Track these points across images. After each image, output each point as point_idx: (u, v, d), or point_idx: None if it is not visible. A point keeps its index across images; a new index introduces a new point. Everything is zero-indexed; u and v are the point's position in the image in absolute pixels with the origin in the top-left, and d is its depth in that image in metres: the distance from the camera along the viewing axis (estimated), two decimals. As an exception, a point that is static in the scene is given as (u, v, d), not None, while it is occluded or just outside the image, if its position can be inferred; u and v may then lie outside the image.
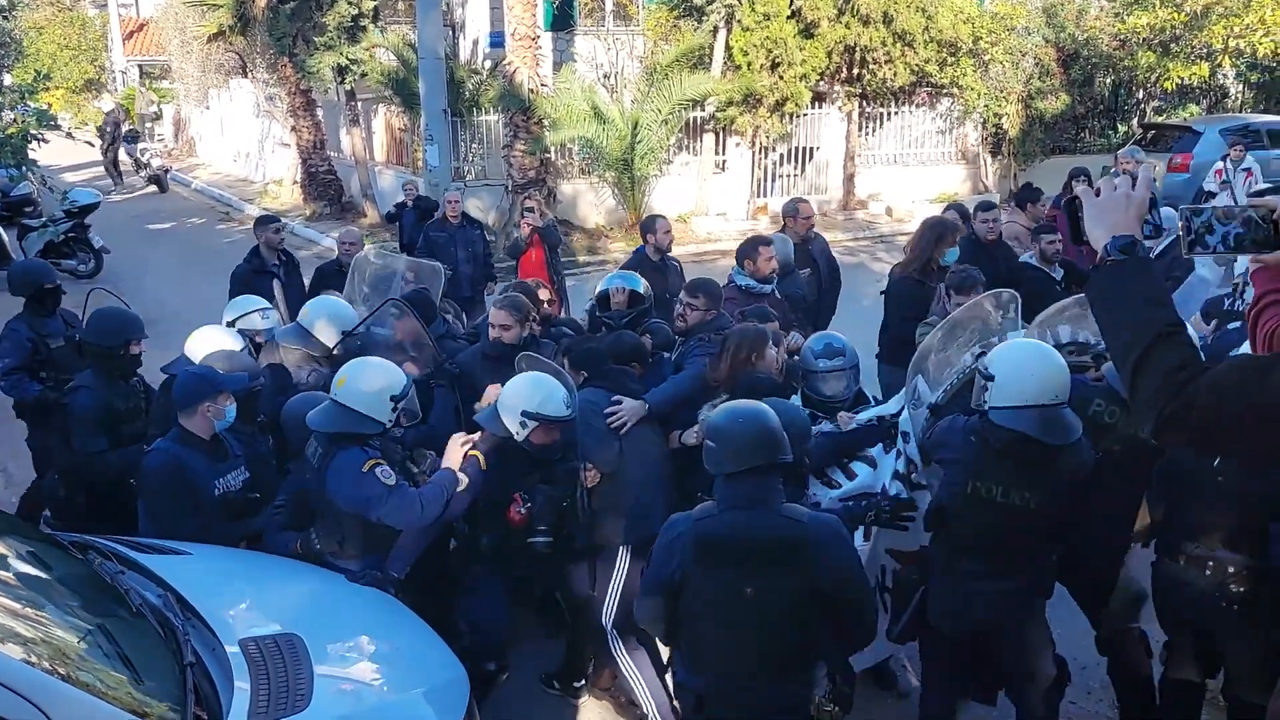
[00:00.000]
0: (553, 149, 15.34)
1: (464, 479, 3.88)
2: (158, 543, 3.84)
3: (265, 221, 8.03)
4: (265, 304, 5.62)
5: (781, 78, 15.42)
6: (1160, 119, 16.99)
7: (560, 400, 4.03)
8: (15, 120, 8.62)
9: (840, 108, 16.82)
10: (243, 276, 7.43)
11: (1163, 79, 16.30)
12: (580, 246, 14.67)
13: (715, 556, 2.97)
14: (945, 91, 17.06)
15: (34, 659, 2.32)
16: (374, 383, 3.85)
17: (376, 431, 3.83)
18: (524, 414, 3.95)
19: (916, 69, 16.03)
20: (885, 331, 6.41)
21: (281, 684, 2.82)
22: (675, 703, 3.83)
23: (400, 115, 17.08)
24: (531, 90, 14.65)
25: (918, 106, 17.38)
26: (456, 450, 3.95)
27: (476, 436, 4.05)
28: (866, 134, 17.37)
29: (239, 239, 17.00)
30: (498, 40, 16.02)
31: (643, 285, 5.56)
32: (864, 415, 4.50)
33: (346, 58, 16.00)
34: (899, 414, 4.39)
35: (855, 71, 16.10)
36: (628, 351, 4.64)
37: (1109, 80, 17.42)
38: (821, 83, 16.21)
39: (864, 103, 16.87)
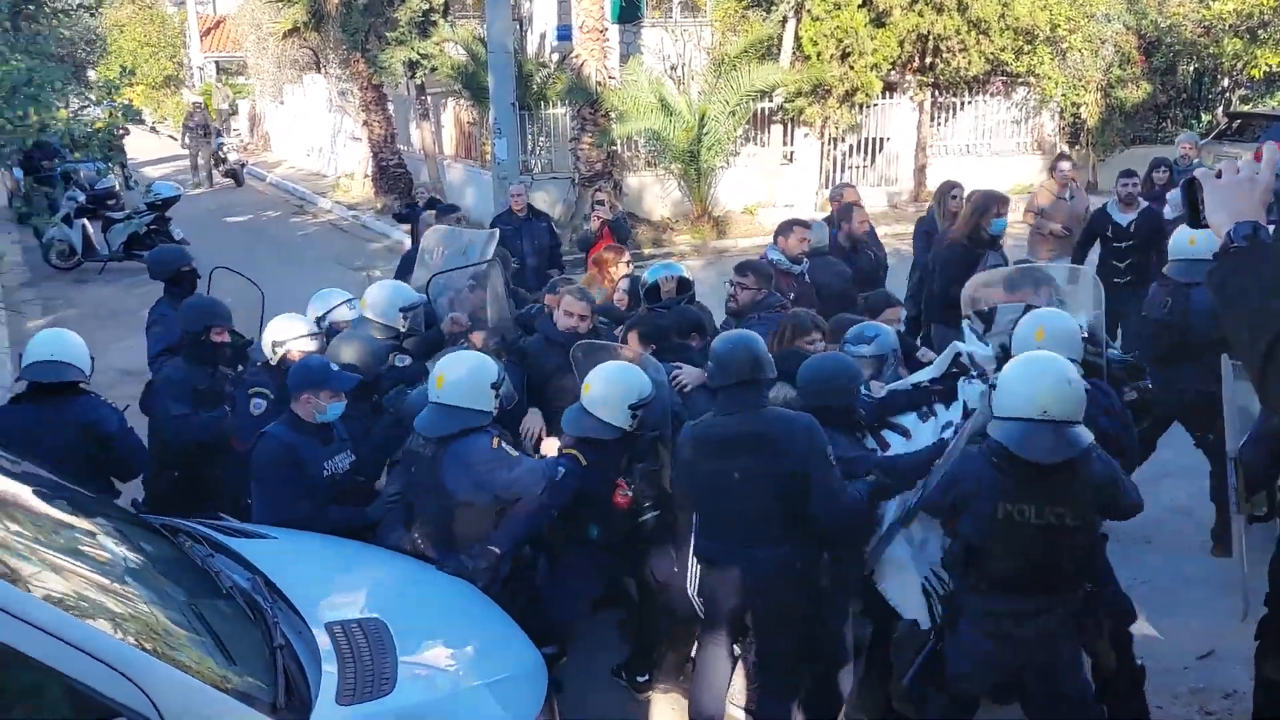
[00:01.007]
0: (619, 141, 15.36)
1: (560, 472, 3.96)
2: (244, 527, 3.94)
3: (446, 210, 8.61)
4: (349, 296, 5.73)
5: (852, 68, 15.22)
6: (1247, 108, 16.39)
7: (647, 380, 4.15)
8: (103, 115, 8.87)
9: (912, 97, 16.56)
10: (411, 261, 7.68)
11: (1250, 66, 15.75)
12: (645, 239, 14.66)
13: (708, 449, 3.81)
14: (1021, 80, 16.70)
15: (132, 637, 2.37)
16: (470, 376, 3.95)
17: (484, 421, 3.93)
18: (632, 407, 4.04)
19: (991, 57, 15.71)
20: (930, 297, 6.60)
21: (367, 668, 2.85)
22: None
23: (469, 109, 17.24)
24: (599, 83, 14.68)
25: (992, 96, 17.04)
26: (552, 451, 4.07)
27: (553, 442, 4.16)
28: (938, 124, 17.08)
29: (312, 232, 17.37)
30: (565, 34, 16.08)
31: (687, 272, 5.79)
32: (898, 384, 4.42)
33: (417, 52, 16.19)
34: (937, 381, 4.31)
35: (928, 61, 15.84)
36: (690, 325, 5.11)
37: (1192, 68, 16.87)
38: (893, 72, 15.99)
39: (936, 92, 16.60)
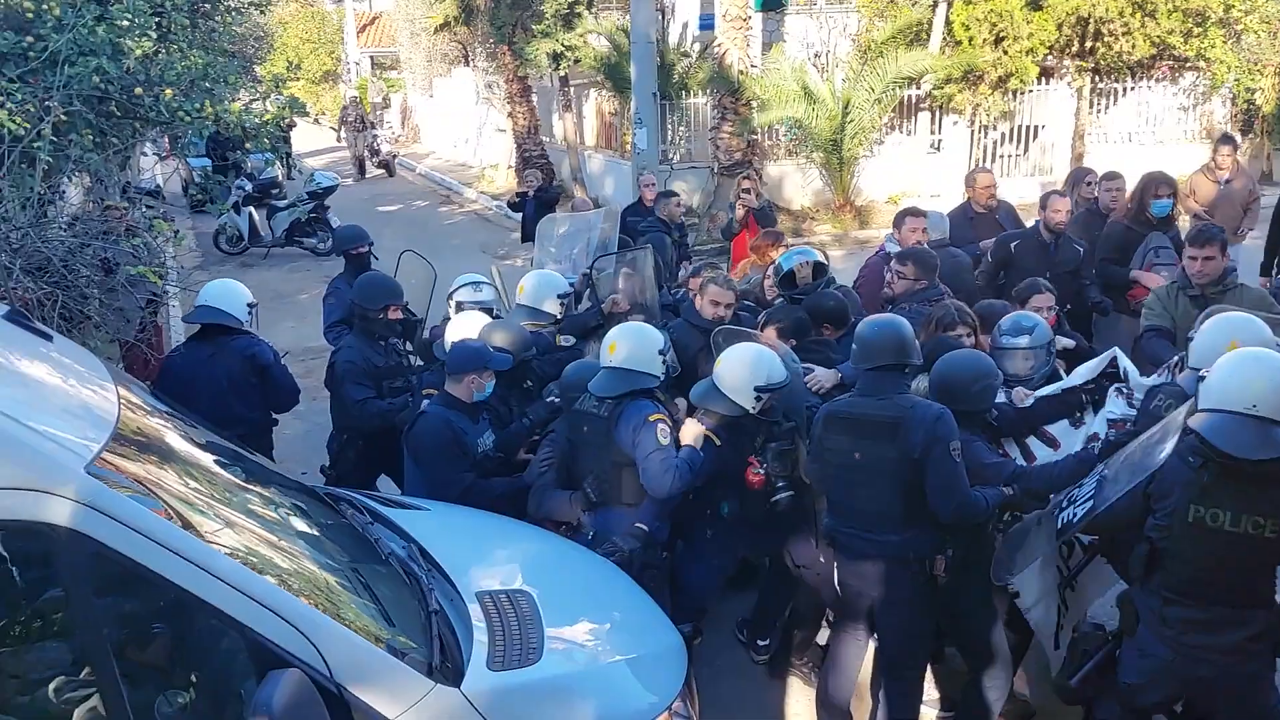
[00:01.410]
0: (760, 130, 15.25)
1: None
2: (399, 498, 4.12)
3: (667, 195, 8.90)
4: (478, 278, 5.97)
5: (1006, 52, 14.68)
6: None
7: (781, 367, 4.17)
8: (270, 109, 9.33)
9: (1070, 83, 15.83)
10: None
11: None
12: (785, 229, 14.36)
13: (837, 426, 3.84)
14: (1189, 65, 15.73)
15: (303, 595, 2.52)
16: (642, 344, 4.19)
17: (654, 385, 4.18)
18: (757, 389, 4.08)
19: (1157, 40, 14.85)
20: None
21: (515, 637, 2.95)
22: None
23: (610, 100, 17.44)
24: (741, 71, 14.61)
25: (1157, 81, 16.13)
26: (692, 432, 4.12)
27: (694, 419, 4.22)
28: (1098, 111, 16.28)
29: (458, 220, 17.91)
30: (708, 23, 16.06)
31: (822, 256, 5.70)
32: (1047, 390, 4.24)
33: (562, 44, 16.46)
34: (1087, 385, 4.13)
35: (1088, 44, 15.10)
36: (827, 312, 5.06)
37: (1385, 49, 15.57)
38: (1049, 57, 15.33)
39: (1096, 78, 15.80)
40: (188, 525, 2.41)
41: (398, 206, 18.94)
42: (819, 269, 5.54)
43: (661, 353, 4.20)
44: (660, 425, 4.00)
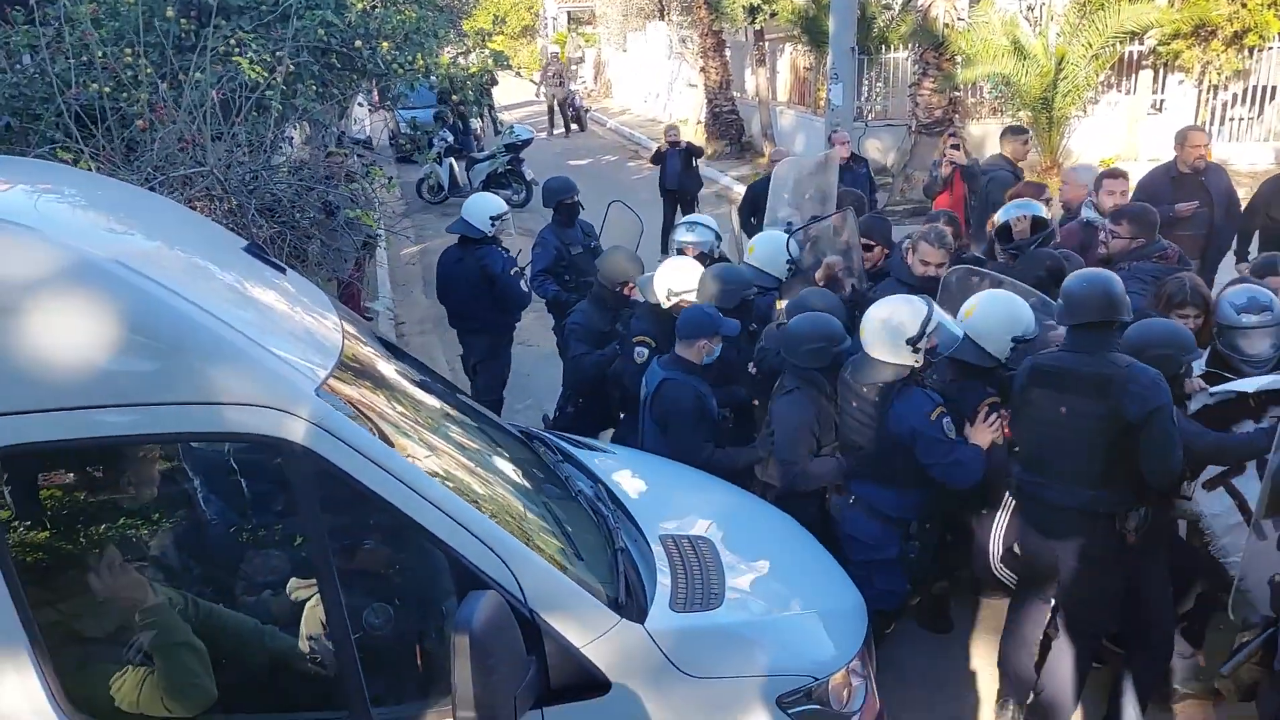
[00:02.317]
0: (963, 87, 14.58)
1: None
2: (586, 440, 4.26)
3: (1016, 132, 8.56)
4: (697, 218, 6.14)
5: (1245, 5, 13.41)
6: None
7: (1033, 316, 4.12)
8: (476, 62, 9.67)
9: (1318, 39, 14.32)
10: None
11: None
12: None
13: (1042, 380, 3.77)
14: None
15: (503, 525, 2.65)
16: (890, 333, 3.95)
17: (908, 374, 3.97)
18: (1015, 339, 4.05)
19: None
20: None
21: (697, 581, 3.01)
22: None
23: (806, 54, 17.08)
24: (946, 25, 13.96)
25: None
26: (984, 434, 3.99)
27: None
28: (1350, 71, 14.66)
29: (647, 175, 18.04)
30: (913, -26, 15.43)
31: (1044, 210, 5.59)
32: (1223, 388, 3.92)
33: (759, -3, 16.23)
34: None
35: (1343, -5, 13.61)
36: (1045, 273, 4.98)
37: None
38: (1296, 9, 13.89)
39: (1350, 33, 14.22)
40: (401, 449, 2.58)
41: (588, 160, 19.28)
42: (1038, 223, 5.47)
43: (911, 340, 3.90)
44: (945, 419, 3.88)
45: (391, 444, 2.55)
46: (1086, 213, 6.07)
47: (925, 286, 4.97)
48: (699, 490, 3.92)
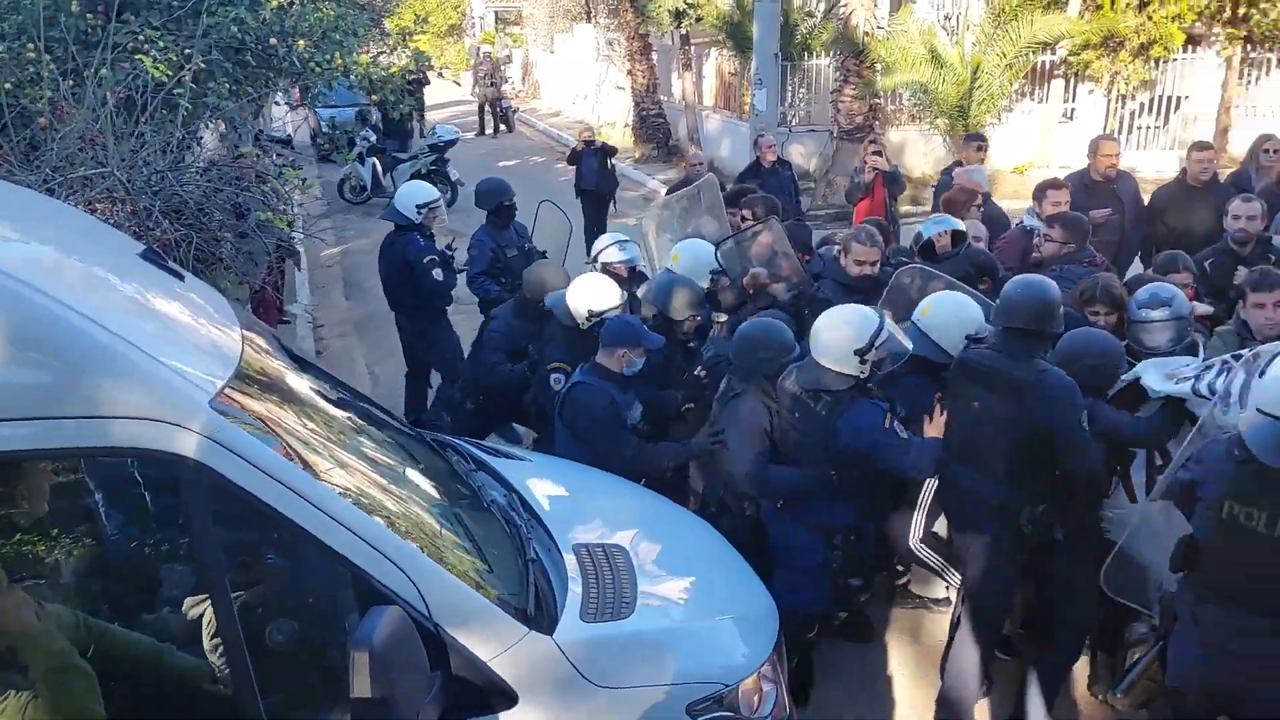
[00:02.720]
0: (882, 94, 14.85)
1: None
2: (502, 448, 4.22)
3: (973, 139, 8.89)
4: (623, 237, 6.02)
5: (1150, 18, 13.93)
6: None
7: (982, 315, 4.26)
8: (397, 61, 9.54)
9: (1218, 52, 14.92)
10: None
11: None
12: (905, 197, 14.14)
13: (968, 375, 3.96)
14: (1356, 33, 14.65)
15: (407, 536, 2.61)
16: (837, 339, 3.93)
17: (853, 384, 3.93)
18: (968, 337, 4.15)
19: (1320, 7, 13.87)
20: None
21: (609, 590, 3.00)
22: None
23: (731, 60, 17.23)
24: (866, 33, 14.22)
25: (1318, 51, 15.06)
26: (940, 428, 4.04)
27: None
28: (1247, 83, 15.30)
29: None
30: (836, -18, 15.67)
31: (961, 225, 5.76)
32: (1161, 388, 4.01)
33: (684, 2, 16.33)
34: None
35: (1240, 11, 14.20)
36: (982, 270, 5.23)
37: None
38: (1198, 23, 14.45)
39: (1248, 47, 14.84)
40: (301, 462, 2.52)
41: (515, 161, 19.17)
42: (958, 237, 5.65)
43: (859, 352, 3.87)
44: (896, 424, 3.90)
45: (290, 457, 2.49)
46: (1028, 220, 6.22)
47: (862, 286, 5.14)
48: (614, 497, 3.90)
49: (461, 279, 6.85)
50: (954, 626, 4.21)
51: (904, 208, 13.49)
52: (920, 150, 15.25)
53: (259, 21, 6.70)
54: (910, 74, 13.97)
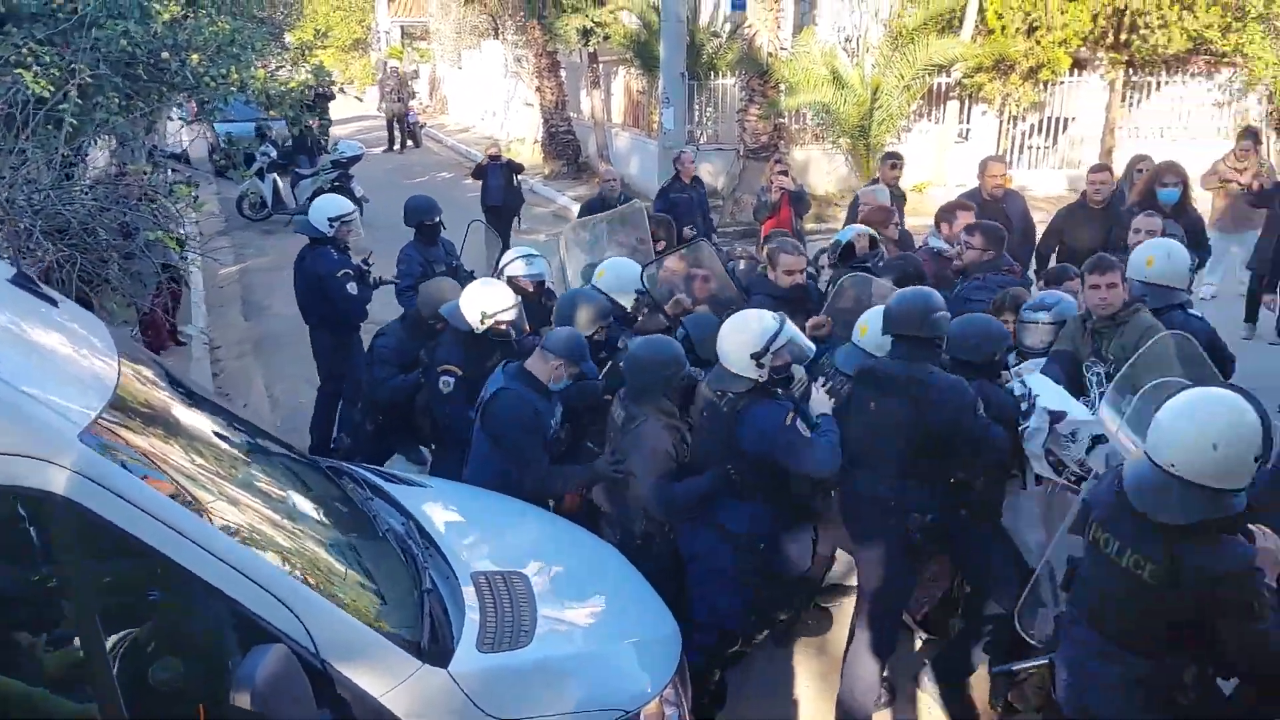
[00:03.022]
0: (787, 114, 15.12)
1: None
2: (401, 474, 4.13)
3: (889, 157, 9.03)
4: (531, 251, 5.96)
5: (1038, 42, 14.49)
6: None
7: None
8: (297, 76, 9.35)
9: (1103, 76, 15.60)
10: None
11: None
12: (809, 215, 14.42)
13: (865, 380, 4.11)
14: (1226, 60, 15.46)
15: (295, 570, 2.54)
16: (736, 343, 3.98)
17: (750, 386, 3.97)
18: (754, 355, 4.07)
19: (1194, 34, 14.63)
20: None
21: (508, 619, 2.96)
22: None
23: (639, 78, 17.34)
24: (770, 54, 14.48)
25: (1192, 76, 15.86)
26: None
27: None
28: (1130, 105, 16.03)
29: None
30: (739, 3, 15.91)
31: (873, 233, 5.98)
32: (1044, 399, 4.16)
33: (592, 20, 16.37)
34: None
35: (1123, 37, 14.88)
36: (914, 274, 5.37)
37: None
38: (1083, 48, 15.09)
39: (1130, 71, 15.56)
40: (179, 496, 2.43)
41: (423, 178, 18.94)
42: (874, 242, 5.89)
43: (755, 355, 3.92)
44: (798, 422, 3.92)
45: (168, 490, 2.39)
46: (934, 242, 6.41)
47: (794, 296, 5.24)
48: (515, 522, 3.85)
49: (382, 294, 6.83)
50: (851, 634, 4.27)
51: (809, 225, 13.79)
52: (824, 169, 15.56)
53: (150, 35, 6.49)
54: (813, 94, 14.25)
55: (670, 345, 4.26)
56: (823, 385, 4.29)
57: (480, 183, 11.65)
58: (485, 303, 4.88)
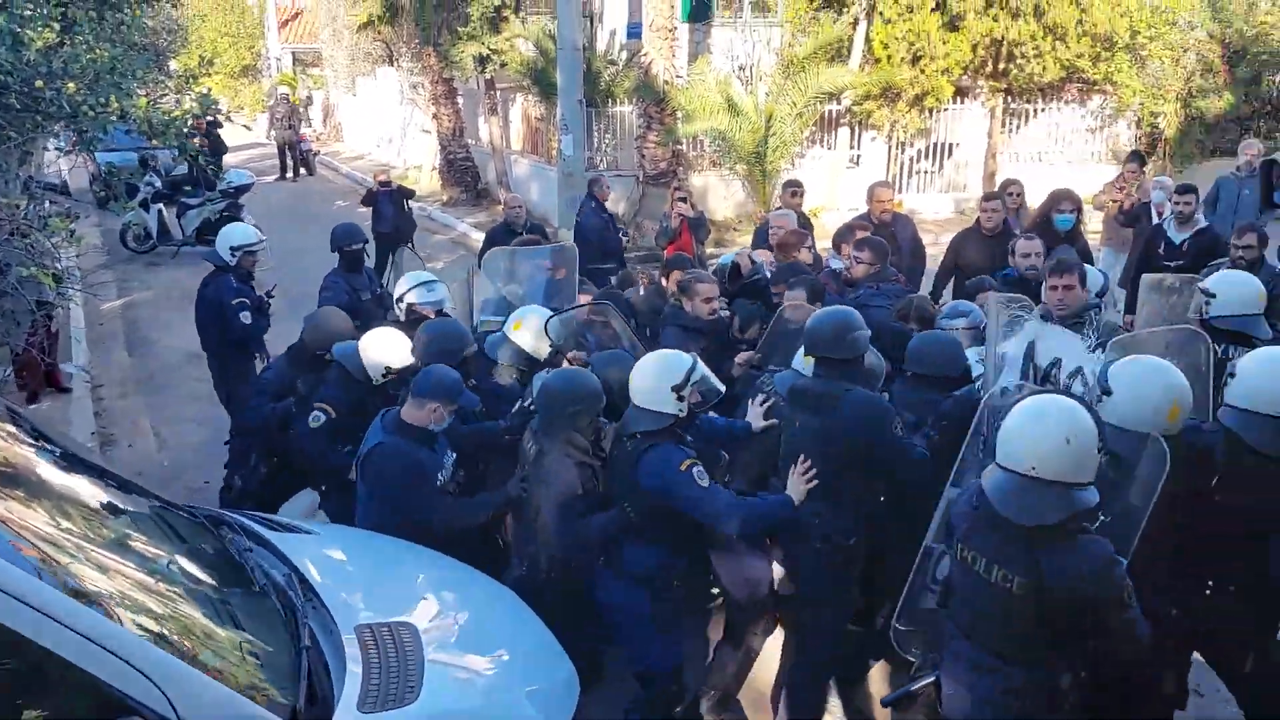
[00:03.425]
0: (685, 141, 15.31)
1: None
2: (286, 521, 3.99)
3: (789, 185, 8.80)
4: (429, 277, 5.79)
5: (923, 71, 14.98)
6: (1337, 121, 15.79)
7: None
8: (181, 104, 9.07)
9: (983, 103, 16.22)
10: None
11: (1342, 79, 15.16)
12: (709, 239, 14.61)
13: (793, 399, 4.13)
14: (1097, 88, 16.27)
15: (158, 635, 2.41)
16: (652, 379, 3.88)
17: (670, 424, 3.84)
18: (674, 388, 3.98)
19: (1067, 64, 15.33)
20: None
21: (393, 673, 2.86)
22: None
23: (537, 105, 17.33)
24: (666, 82, 14.64)
25: (1066, 103, 16.62)
26: (801, 486, 3.93)
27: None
28: (1010, 131, 16.70)
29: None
30: (635, 31, 16.06)
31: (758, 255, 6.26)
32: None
33: (488, 48, 16.31)
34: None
35: (1001, 66, 15.50)
36: (817, 291, 5.46)
37: (1279, 79, 16.27)
38: (964, 77, 15.67)
39: (1009, 98, 16.23)
40: (25, 560, 2.29)
41: (318, 207, 18.57)
42: (753, 260, 6.11)
43: (676, 388, 3.82)
44: (695, 469, 3.76)
45: (10, 554, 2.25)
46: (835, 263, 6.59)
47: (711, 329, 5.26)
48: (407, 569, 3.74)
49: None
50: (784, 655, 4.25)
51: (709, 249, 13.96)
52: (722, 194, 15.77)
53: (22, 62, 6.22)
54: (709, 122, 14.45)
55: (587, 380, 4.16)
56: (761, 403, 4.36)
57: (371, 210, 11.50)
58: (390, 357, 4.71)
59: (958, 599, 3.17)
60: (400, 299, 5.64)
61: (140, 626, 2.38)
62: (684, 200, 8.98)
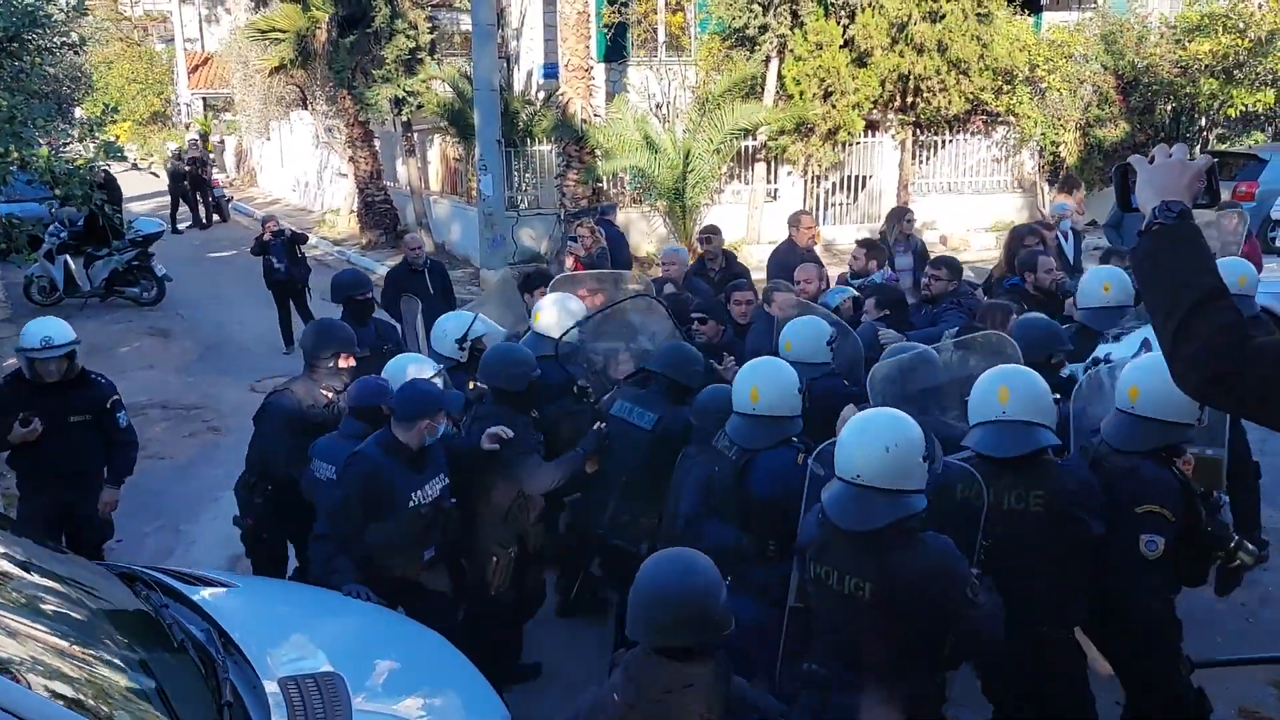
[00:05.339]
0: (605, 178, 15.43)
1: None
2: (205, 574, 3.86)
3: (710, 232, 8.75)
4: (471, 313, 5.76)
5: (834, 106, 15.36)
6: (1224, 146, 16.58)
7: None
8: (85, 153, 8.85)
9: (894, 136, 16.70)
10: None
11: (1226, 106, 15.93)
12: (632, 275, 14.69)
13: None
14: (1001, 119, 16.89)
15: (73, 700, 2.31)
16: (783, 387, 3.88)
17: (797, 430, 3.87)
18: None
19: (971, 97, 15.88)
20: None
21: (319, 726, 2.79)
22: None
23: (455, 145, 17.30)
24: (584, 120, 14.77)
25: (973, 134, 17.20)
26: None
27: None
28: (920, 162, 17.21)
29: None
30: (551, 72, 16.20)
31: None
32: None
33: (404, 90, 16.26)
34: None
35: (909, 100, 15.99)
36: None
37: (1170, 107, 17.06)
38: (875, 111, 16.12)
39: (918, 131, 16.74)
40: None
41: (232, 253, 18.17)
42: None
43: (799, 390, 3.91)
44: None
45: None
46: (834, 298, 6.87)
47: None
48: (331, 619, 3.64)
49: None
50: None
51: (632, 286, 14.04)
52: (644, 230, 15.90)
53: (-83, 111, 6.02)
54: (628, 159, 14.60)
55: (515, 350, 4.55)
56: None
57: (263, 259, 11.10)
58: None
59: (815, 617, 3.20)
60: (463, 340, 5.26)
61: (52, 691, 2.26)
62: (574, 240, 8.86)
